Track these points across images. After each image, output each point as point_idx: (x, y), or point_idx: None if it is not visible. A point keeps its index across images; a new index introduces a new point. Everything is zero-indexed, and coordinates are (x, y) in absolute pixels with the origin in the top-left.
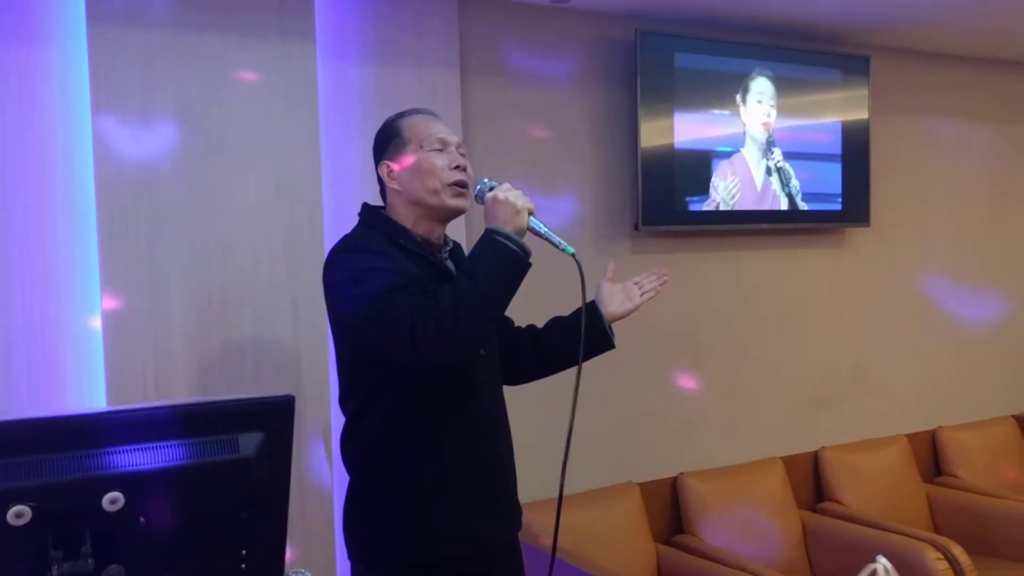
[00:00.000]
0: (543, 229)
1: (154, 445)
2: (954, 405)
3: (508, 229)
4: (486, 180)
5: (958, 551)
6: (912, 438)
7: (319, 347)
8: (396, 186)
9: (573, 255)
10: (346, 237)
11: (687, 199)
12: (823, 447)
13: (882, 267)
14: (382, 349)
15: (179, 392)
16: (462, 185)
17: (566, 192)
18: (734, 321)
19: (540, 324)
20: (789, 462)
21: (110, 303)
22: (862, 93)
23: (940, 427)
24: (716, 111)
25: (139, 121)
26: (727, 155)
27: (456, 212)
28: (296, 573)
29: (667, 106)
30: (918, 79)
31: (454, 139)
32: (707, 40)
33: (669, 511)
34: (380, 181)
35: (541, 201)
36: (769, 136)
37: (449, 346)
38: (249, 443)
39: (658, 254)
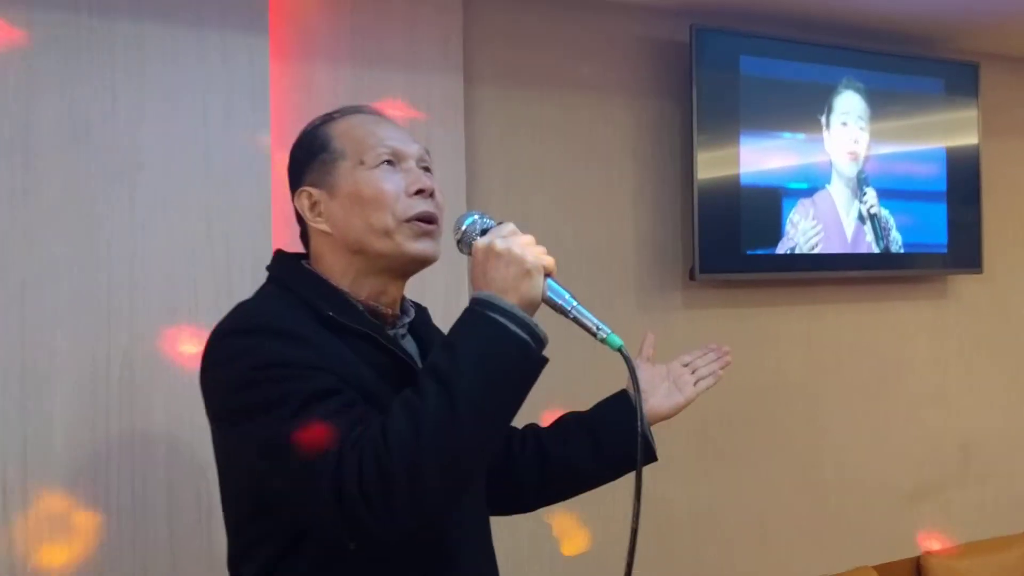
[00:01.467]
0: (569, 300)
1: None
2: None
3: (511, 300)
4: (476, 216)
5: None
6: None
7: None
8: (324, 226)
9: (620, 349)
10: (242, 306)
11: (755, 241)
12: (925, 552)
13: (995, 322)
14: (296, 513)
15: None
16: (428, 220)
17: (599, 232)
18: (812, 393)
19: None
20: (885, 572)
21: None
22: (970, 111)
23: None
24: (793, 134)
25: (10, 131)
26: (807, 192)
27: (420, 262)
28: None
29: (731, 125)
30: None
31: (413, 148)
32: (782, 41)
33: None
34: (299, 218)
35: (567, 246)
36: (860, 170)
37: (406, 511)
38: None
39: (719, 309)
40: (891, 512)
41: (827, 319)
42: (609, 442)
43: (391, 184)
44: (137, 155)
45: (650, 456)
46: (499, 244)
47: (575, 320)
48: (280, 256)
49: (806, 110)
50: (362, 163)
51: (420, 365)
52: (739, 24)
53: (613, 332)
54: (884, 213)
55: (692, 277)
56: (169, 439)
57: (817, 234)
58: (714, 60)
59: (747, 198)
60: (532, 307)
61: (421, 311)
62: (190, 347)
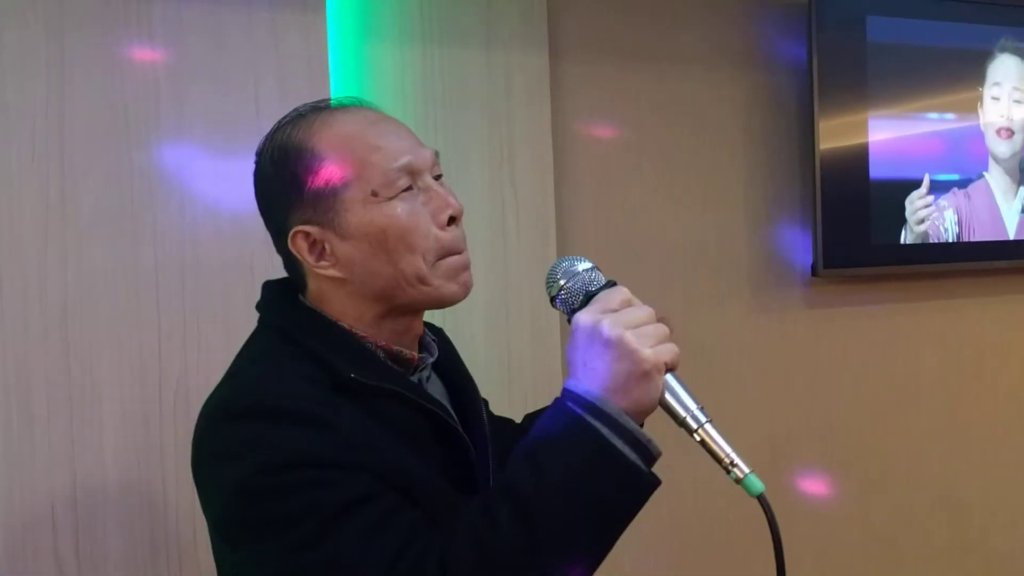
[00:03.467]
0: (697, 415)
1: None
2: None
3: (619, 404)
4: (580, 268)
5: None
6: None
7: None
8: (333, 272)
9: (760, 496)
10: (238, 374)
11: (886, 231)
12: None
13: None
14: None
15: (109, 542)
16: (462, 252)
17: (707, 224)
18: (952, 401)
19: None
20: None
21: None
22: None
23: None
24: (934, 110)
25: (43, 135)
26: (958, 184)
27: (458, 300)
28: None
29: (858, 99)
30: None
31: (425, 156)
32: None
33: None
34: (288, 258)
35: (670, 241)
36: (1010, 140)
37: None
38: None
39: (846, 307)
40: None
41: (968, 316)
42: None
43: (418, 219)
44: (181, 154)
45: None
46: (608, 330)
47: (701, 443)
48: (272, 292)
49: (950, 80)
50: (375, 195)
51: (452, 412)
52: None
53: (753, 472)
54: None
55: (815, 272)
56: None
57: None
58: (837, 23)
59: (877, 183)
60: (644, 414)
61: (439, 339)
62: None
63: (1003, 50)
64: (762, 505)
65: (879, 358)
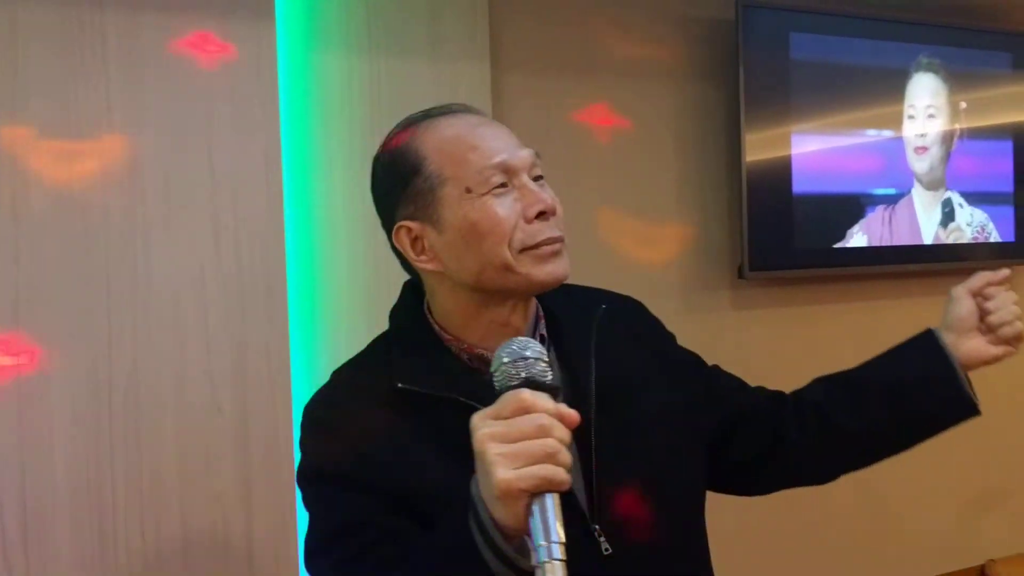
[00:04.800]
0: (545, 543)
1: None
2: None
3: (495, 514)
4: (527, 351)
5: None
6: None
7: (279, 460)
8: (431, 265)
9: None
10: (333, 374)
11: (809, 235)
12: (990, 560)
13: None
14: None
15: (62, 554)
16: (556, 238)
17: (639, 228)
18: None
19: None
20: None
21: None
22: None
23: None
24: (853, 120)
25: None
26: (883, 201)
27: (550, 285)
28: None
29: (782, 110)
30: None
31: (522, 157)
32: (835, 16)
33: None
34: (400, 258)
35: (604, 243)
36: (933, 163)
37: None
38: None
39: (771, 308)
40: (955, 520)
41: (887, 316)
42: (917, 406)
43: (508, 213)
44: (134, 161)
45: (972, 411)
46: (476, 441)
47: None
48: (404, 293)
49: (870, 97)
50: (469, 191)
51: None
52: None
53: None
54: (978, 214)
55: (741, 275)
56: (180, 467)
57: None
58: (763, 39)
59: (800, 189)
60: (500, 517)
61: (586, 327)
62: (198, 367)
63: (919, 68)
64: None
65: (803, 356)
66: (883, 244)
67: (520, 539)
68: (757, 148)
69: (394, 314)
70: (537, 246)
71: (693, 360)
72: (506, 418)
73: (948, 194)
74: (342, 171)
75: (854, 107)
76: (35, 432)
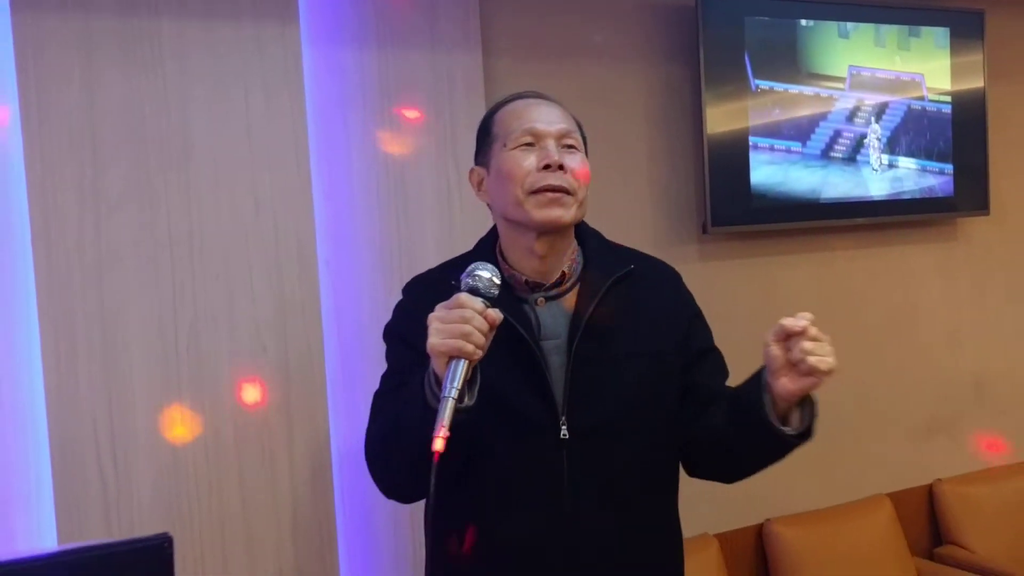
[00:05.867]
0: (444, 392)
1: None
2: None
3: (431, 367)
4: (480, 270)
5: None
6: None
7: (314, 389)
8: (486, 199)
9: (432, 463)
10: (432, 268)
11: (764, 194)
12: (938, 480)
13: (1004, 262)
14: None
15: (140, 458)
16: (553, 190)
17: (616, 191)
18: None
19: None
20: (898, 500)
21: (51, 354)
22: (976, 56)
23: None
24: (801, 88)
25: (79, 129)
26: (832, 162)
27: (548, 225)
28: None
29: (738, 84)
30: None
31: (554, 128)
32: (787, 1)
33: (754, 567)
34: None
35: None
36: (870, 120)
37: (374, 478)
38: None
39: (732, 260)
40: (906, 445)
41: (838, 266)
42: (741, 422)
43: (523, 162)
44: (187, 144)
45: (783, 440)
46: (430, 316)
47: (436, 407)
48: (491, 231)
49: (813, 65)
50: (504, 145)
51: (537, 330)
52: None
53: (440, 440)
54: (898, 161)
55: (705, 230)
56: (234, 412)
57: (828, 186)
58: (720, 21)
59: (755, 154)
60: (436, 368)
61: (609, 274)
62: (246, 315)
63: (854, 38)
64: (432, 474)
65: (761, 303)
66: (832, 200)
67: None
68: (717, 120)
69: (481, 240)
70: (540, 191)
71: (702, 336)
72: (448, 308)
73: (893, 156)
74: (359, 149)
75: (803, 80)
76: (119, 372)
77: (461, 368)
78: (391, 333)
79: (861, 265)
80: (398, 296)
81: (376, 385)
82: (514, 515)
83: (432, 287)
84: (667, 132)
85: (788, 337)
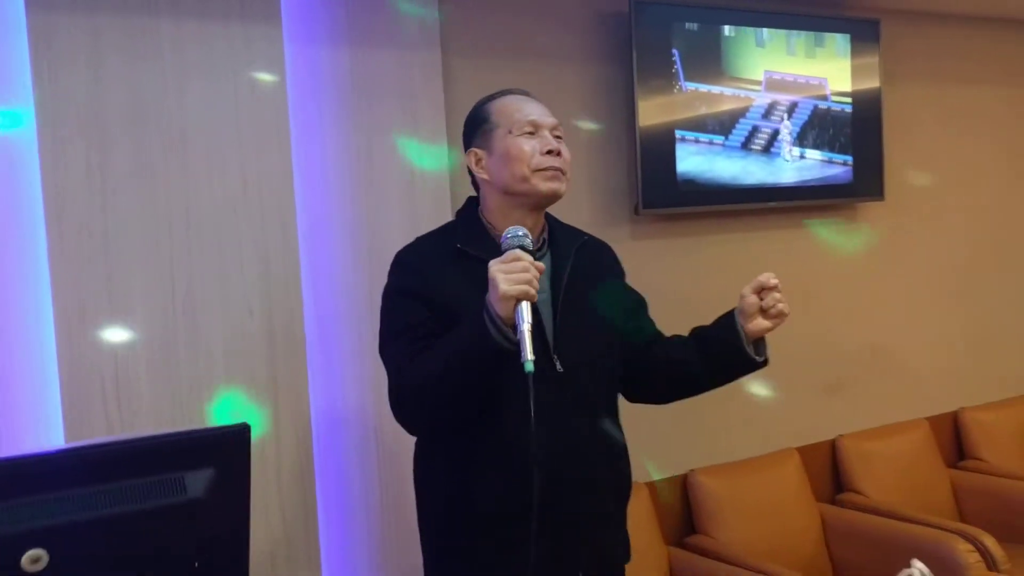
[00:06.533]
0: (520, 328)
1: (82, 491)
2: (976, 385)
3: (495, 310)
4: (518, 233)
5: (990, 542)
6: (933, 421)
7: (294, 348)
8: (485, 175)
9: (529, 374)
10: (420, 236)
11: (688, 181)
12: (840, 435)
13: (898, 243)
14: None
15: (144, 403)
16: (554, 169)
17: None
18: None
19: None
20: (805, 453)
21: (63, 313)
22: (872, 59)
23: (962, 408)
24: (722, 88)
25: (87, 117)
26: (750, 152)
27: (549, 197)
28: None
29: (667, 83)
30: (931, 43)
31: (548, 121)
32: (707, 8)
33: (680, 511)
34: (470, 174)
35: None
36: (782, 115)
37: (408, 420)
38: (197, 482)
39: (660, 239)
40: (811, 404)
41: (754, 244)
42: (721, 357)
43: (529, 147)
44: (185, 132)
45: (754, 364)
46: (491, 269)
47: (519, 339)
48: (467, 200)
49: (734, 70)
50: (510, 132)
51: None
52: None
53: (531, 363)
54: (806, 153)
55: (637, 212)
56: (226, 350)
57: (747, 173)
58: (651, 27)
59: (684, 144)
60: (508, 319)
61: (566, 232)
62: (235, 281)
63: (768, 44)
64: (529, 377)
65: (686, 276)
66: (750, 186)
67: (508, 327)
68: (648, 114)
69: (460, 212)
70: (544, 169)
71: (635, 292)
72: (507, 262)
73: (802, 148)
74: (332, 135)
75: (725, 82)
76: (123, 332)
77: (527, 307)
78: (401, 290)
79: (774, 243)
80: (367, 265)
81: (356, 340)
82: (523, 426)
83: (434, 251)
84: (604, 124)
85: (763, 289)
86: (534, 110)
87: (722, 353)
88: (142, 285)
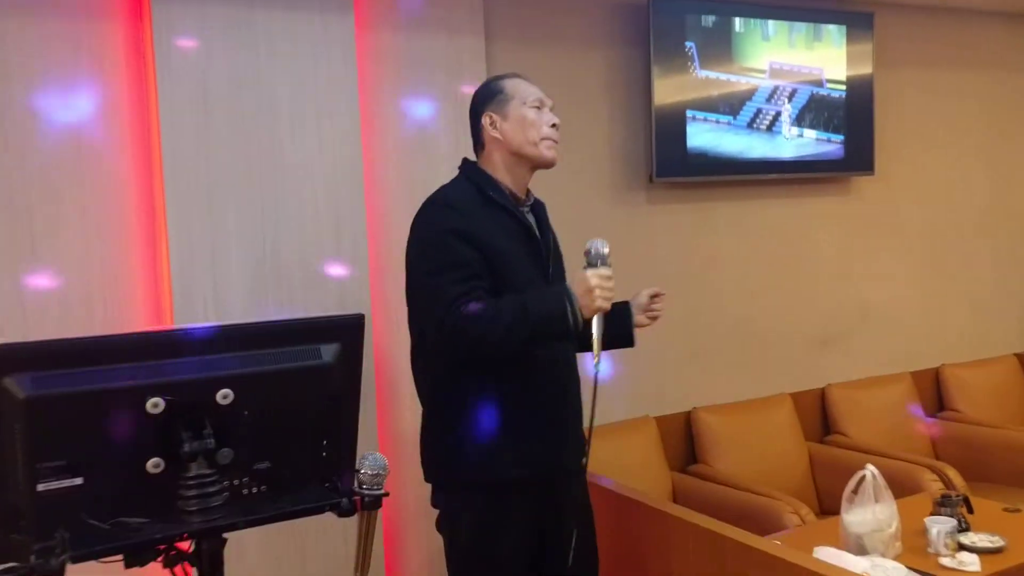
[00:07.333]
0: (596, 333)
1: (256, 353)
2: (958, 344)
3: (580, 303)
4: (600, 246)
5: (952, 473)
6: (916, 375)
7: (361, 286)
8: (497, 135)
9: (596, 375)
10: (443, 188)
11: (698, 153)
12: (829, 384)
13: (886, 212)
14: (424, 313)
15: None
16: (555, 140)
17: (586, 147)
18: (745, 266)
19: None
20: (797, 398)
21: (176, 249)
22: (866, 47)
23: (943, 365)
24: (729, 75)
25: (198, 88)
26: (754, 127)
27: (548, 163)
28: (368, 456)
29: (680, 66)
30: (921, 32)
31: (548, 101)
32: (717, 1)
33: (684, 443)
34: (478, 132)
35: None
36: (783, 97)
37: (459, 344)
38: (328, 352)
39: (672, 204)
40: (805, 355)
41: (755, 211)
42: (617, 330)
43: (539, 117)
44: (274, 102)
45: (630, 344)
46: (593, 281)
47: (592, 343)
48: (467, 161)
49: (738, 51)
50: (524, 103)
51: (536, 232)
52: None
53: (601, 363)
54: (804, 132)
55: (651, 180)
56: (305, 296)
57: (750, 149)
58: (666, 17)
59: (692, 120)
60: (588, 317)
61: (538, 202)
62: (313, 230)
63: (773, 33)
64: (595, 378)
65: (695, 238)
66: (753, 159)
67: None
68: (663, 92)
69: (465, 170)
70: (548, 138)
71: None
72: (603, 276)
73: (800, 128)
74: (392, 106)
75: (730, 65)
76: (222, 265)
77: (600, 318)
78: (455, 231)
79: (774, 211)
80: (413, 210)
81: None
82: (552, 363)
83: (469, 199)
84: (624, 103)
85: (655, 296)
86: (538, 91)
87: (614, 333)
88: (238, 230)
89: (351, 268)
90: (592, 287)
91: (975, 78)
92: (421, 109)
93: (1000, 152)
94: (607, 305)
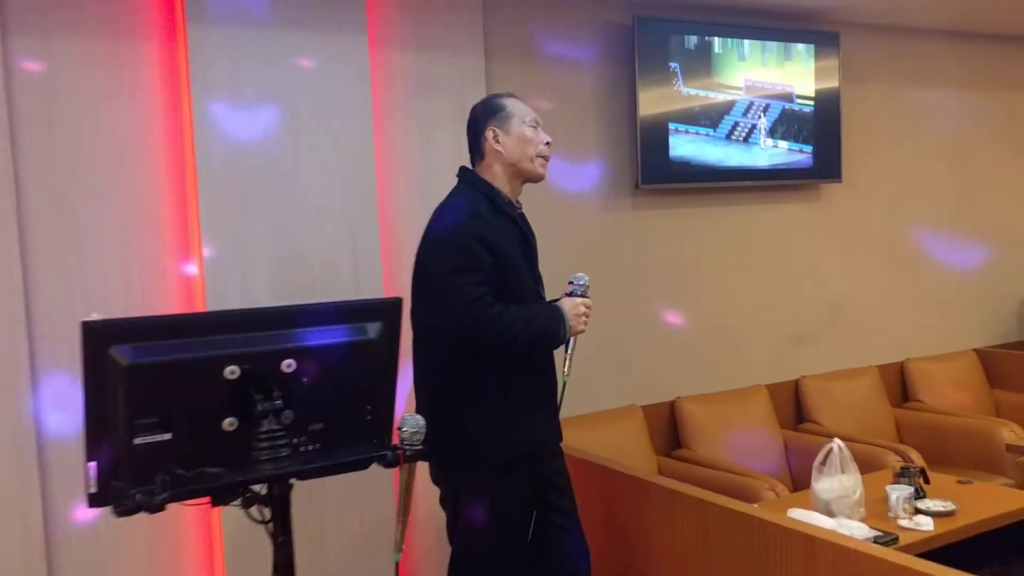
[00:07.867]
0: (569, 350)
1: (314, 329)
2: (921, 340)
3: (570, 323)
4: (585, 279)
5: (915, 455)
6: (882, 369)
7: (374, 281)
8: (499, 148)
9: (564, 382)
10: (460, 196)
11: (680, 162)
12: (802, 376)
13: (854, 218)
14: (439, 309)
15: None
16: (547, 158)
17: (577, 157)
18: (723, 267)
19: None
20: (773, 389)
21: (209, 254)
22: (833, 64)
23: (908, 359)
24: (708, 87)
25: (228, 104)
26: (731, 139)
27: (539, 179)
28: (407, 417)
29: (664, 82)
30: (885, 50)
31: (540, 121)
32: (697, 23)
33: (668, 430)
34: (478, 144)
35: (555, 166)
36: (758, 110)
37: (477, 337)
38: (373, 329)
39: (656, 209)
40: (779, 350)
41: (733, 216)
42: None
43: (536, 136)
44: (296, 114)
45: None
46: (582, 308)
47: (566, 357)
48: (466, 169)
49: (717, 72)
50: (524, 121)
51: (527, 236)
52: (669, 13)
53: (567, 377)
54: (777, 143)
55: (637, 187)
56: (324, 291)
57: (728, 158)
58: (651, 38)
59: (674, 132)
60: (572, 335)
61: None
62: (329, 237)
63: (744, 51)
64: (563, 386)
65: (677, 241)
66: (731, 168)
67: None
68: (647, 106)
69: (468, 179)
70: (542, 156)
71: None
72: (587, 305)
73: (774, 139)
74: (400, 118)
75: (710, 82)
76: (250, 256)
77: (575, 339)
78: (480, 238)
79: (750, 216)
80: (420, 213)
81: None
82: (548, 359)
83: (482, 207)
84: (611, 116)
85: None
86: (532, 111)
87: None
88: (264, 223)
89: (365, 266)
90: (581, 312)
91: (932, 92)
92: (427, 121)
93: (958, 159)
94: (585, 329)
